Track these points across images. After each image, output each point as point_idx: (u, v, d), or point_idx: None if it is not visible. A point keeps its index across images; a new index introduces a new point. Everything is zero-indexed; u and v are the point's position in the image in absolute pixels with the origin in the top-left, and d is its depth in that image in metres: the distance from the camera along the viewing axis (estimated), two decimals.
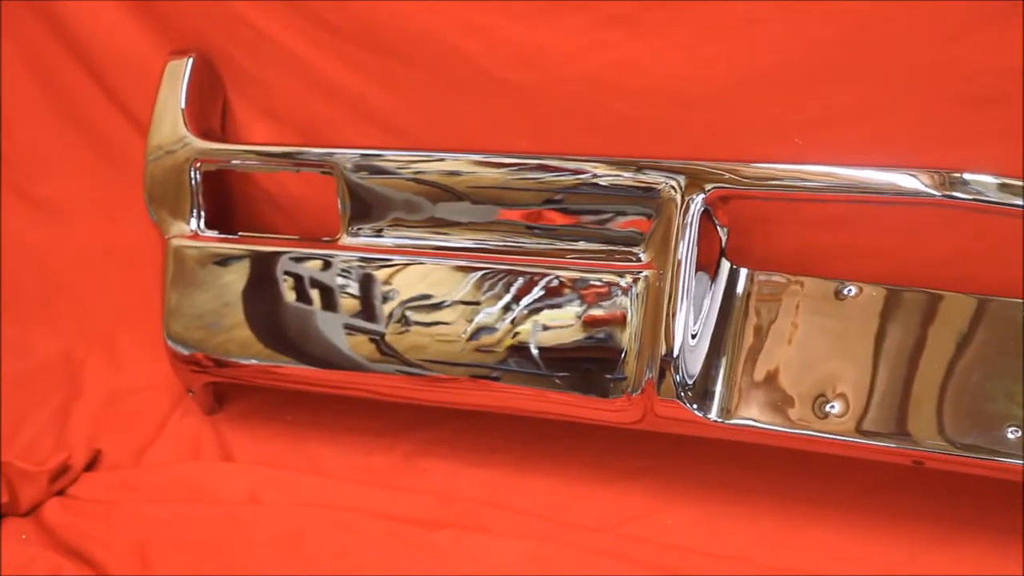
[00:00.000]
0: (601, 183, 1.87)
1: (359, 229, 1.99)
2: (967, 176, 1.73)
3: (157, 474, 2.03)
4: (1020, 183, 1.72)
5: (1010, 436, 1.73)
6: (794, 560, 1.84)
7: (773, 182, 1.80)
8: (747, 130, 1.92)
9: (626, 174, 1.86)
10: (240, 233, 2.08)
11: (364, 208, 1.98)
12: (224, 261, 2.05)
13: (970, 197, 1.73)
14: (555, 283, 1.88)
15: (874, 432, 1.77)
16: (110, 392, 2.16)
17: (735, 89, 1.93)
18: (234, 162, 2.07)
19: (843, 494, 1.89)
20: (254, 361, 2.03)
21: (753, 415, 1.81)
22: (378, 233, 1.98)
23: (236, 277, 2.04)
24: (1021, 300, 1.80)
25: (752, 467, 1.92)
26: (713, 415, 1.81)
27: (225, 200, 2.15)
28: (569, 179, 1.89)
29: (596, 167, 1.88)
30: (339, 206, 2.00)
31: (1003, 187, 1.73)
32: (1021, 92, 1.84)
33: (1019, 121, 1.85)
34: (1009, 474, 1.74)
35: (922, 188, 1.74)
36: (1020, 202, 1.72)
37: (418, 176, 1.96)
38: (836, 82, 1.88)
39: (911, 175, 1.75)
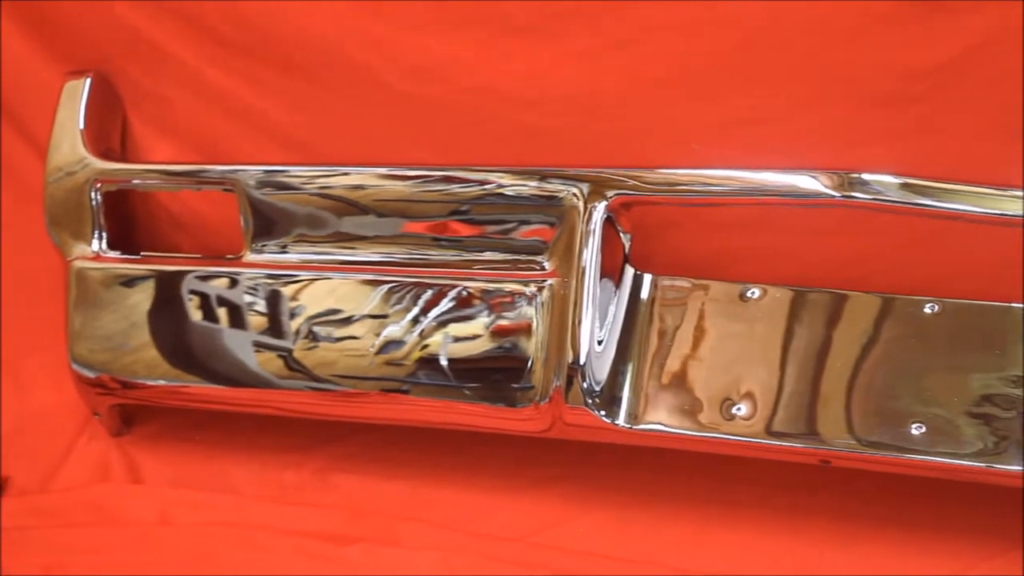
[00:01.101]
0: (505, 193, 1.87)
1: (263, 246, 1.98)
2: (866, 176, 1.75)
3: (66, 499, 2.01)
4: (919, 182, 1.73)
5: (915, 432, 1.75)
6: (706, 562, 1.85)
7: (674, 187, 1.81)
8: (649, 136, 1.94)
9: (531, 184, 1.85)
10: (143, 253, 2.05)
11: (268, 225, 1.97)
12: (128, 282, 2.03)
13: (870, 197, 1.75)
14: (462, 294, 1.88)
15: (782, 433, 1.79)
16: (16, 417, 2.14)
17: (636, 96, 1.94)
18: (135, 182, 2.06)
19: (753, 495, 1.91)
20: (162, 382, 2.01)
21: (661, 419, 1.82)
22: (283, 249, 1.97)
23: (141, 298, 2.02)
24: (923, 298, 1.81)
25: (662, 471, 1.93)
26: (621, 421, 1.82)
27: (127, 220, 2.13)
28: (474, 190, 1.89)
29: (501, 177, 1.88)
30: (242, 223, 1.98)
31: (903, 186, 1.75)
32: (920, 91, 1.86)
33: (919, 120, 1.87)
34: (914, 470, 1.77)
35: (822, 189, 1.76)
36: (921, 201, 1.73)
37: (322, 191, 1.95)
38: (736, 86, 1.90)
39: (811, 176, 1.77)
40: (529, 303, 1.84)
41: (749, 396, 1.80)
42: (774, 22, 1.87)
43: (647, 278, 1.88)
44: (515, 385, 1.84)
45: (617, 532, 1.89)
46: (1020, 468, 1.72)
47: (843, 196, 1.75)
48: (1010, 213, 1.73)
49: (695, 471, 1.92)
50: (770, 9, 1.88)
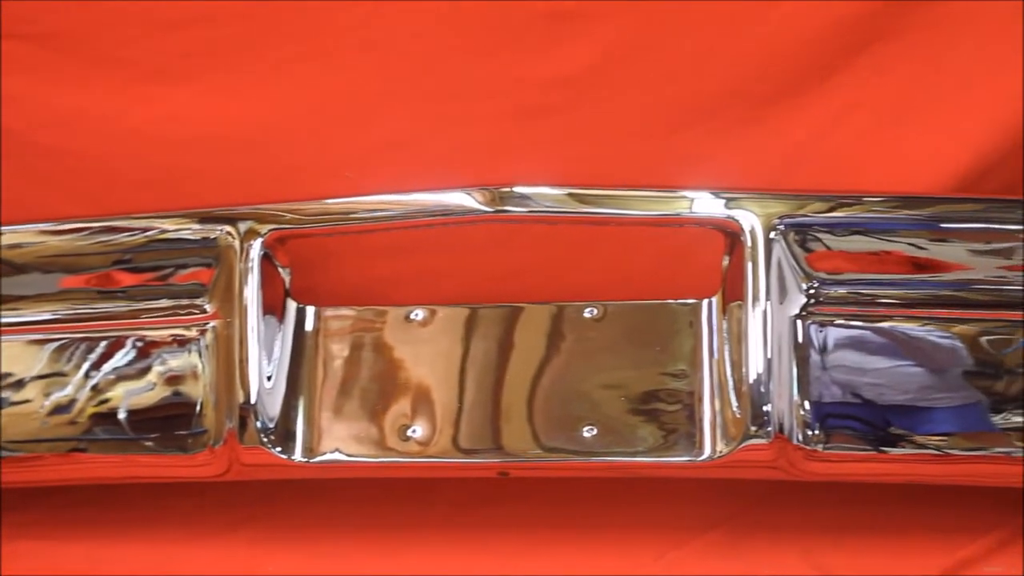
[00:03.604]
0: (160, 239, 1.84)
1: None
2: (518, 189, 1.77)
3: None
4: (574, 190, 1.77)
5: (587, 435, 1.78)
6: None
7: (328, 218, 1.81)
8: (300, 169, 1.96)
9: (190, 227, 1.83)
10: None
11: None
12: None
13: (524, 210, 1.78)
14: (129, 345, 1.85)
15: (459, 449, 1.80)
16: None
17: (283, 129, 1.96)
18: None
19: (441, 514, 1.93)
20: None
21: (338, 449, 1.81)
22: None
23: None
24: (583, 303, 1.84)
25: (349, 502, 1.93)
26: (298, 456, 1.81)
27: None
28: (133, 239, 1.86)
29: (161, 223, 1.85)
30: None
31: (556, 196, 1.78)
32: (561, 101, 1.90)
33: (567, 128, 1.93)
34: (589, 471, 1.80)
35: (475, 206, 1.78)
36: (575, 209, 1.77)
37: None
38: (380, 111, 1.94)
39: (464, 193, 1.78)
40: (193, 347, 1.82)
41: (424, 417, 1.82)
42: (411, 45, 1.91)
43: (310, 310, 1.87)
44: (187, 431, 1.82)
45: (307, 568, 1.87)
46: (689, 459, 1.75)
47: (495, 211, 1.77)
48: (669, 213, 1.78)
49: (383, 497, 1.92)
50: (406, 32, 1.91)
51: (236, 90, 1.93)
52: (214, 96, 1.94)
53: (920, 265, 1.78)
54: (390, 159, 1.93)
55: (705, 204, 1.78)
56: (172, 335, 1.84)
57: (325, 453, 1.82)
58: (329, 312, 1.88)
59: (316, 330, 1.87)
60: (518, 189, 1.78)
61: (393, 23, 1.91)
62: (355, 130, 1.94)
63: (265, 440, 1.79)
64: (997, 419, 1.75)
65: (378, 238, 1.91)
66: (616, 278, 1.94)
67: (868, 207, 1.78)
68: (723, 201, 1.78)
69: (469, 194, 1.78)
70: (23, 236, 1.90)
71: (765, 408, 1.73)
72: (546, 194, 1.79)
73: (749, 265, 1.75)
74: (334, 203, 1.82)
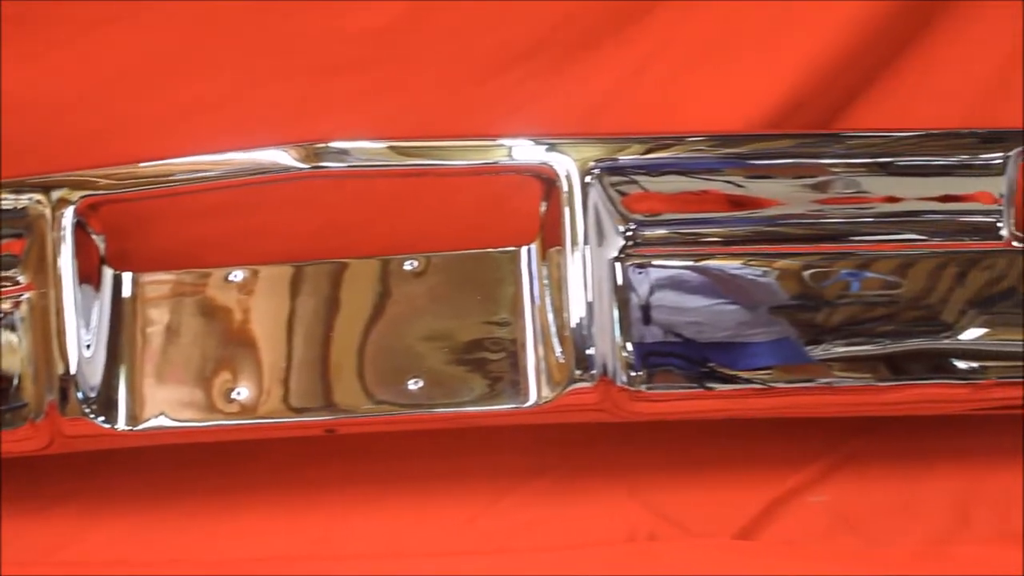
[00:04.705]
0: None
1: None
2: (334, 144, 1.77)
3: None
4: (388, 143, 1.77)
5: (412, 388, 1.79)
6: (232, 549, 1.83)
7: (141, 182, 1.79)
8: (104, 136, 1.92)
9: (6, 196, 1.80)
10: None
11: None
12: None
13: (342, 165, 1.77)
14: None
15: (285, 409, 1.80)
16: None
17: (92, 92, 1.93)
18: None
19: (268, 476, 1.91)
20: None
21: (163, 415, 1.79)
22: None
23: None
24: (403, 256, 1.85)
25: (177, 467, 1.90)
26: (121, 424, 1.79)
27: None
28: None
29: None
30: None
31: (372, 150, 1.78)
32: (368, 55, 1.91)
33: (376, 82, 1.92)
34: (416, 424, 1.81)
35: (291, 163, 1.77)
36: (393, 162, 1.77)
37: None
38: (182, 74, 1.91)
39: (280, 151, 1.77)
40: (8, 320, 1.78)
41: (249, 378, 1.81)
42: (216, 3, 1.88)
43: (127, 276, 1.85)
44: (6, 406, 1.78)
45: (138, 537, 1.86)
46: (515, 406, 1.77)
47: (312, 167, 1.77)
48: (486, 162, 1.80)
49: (210, 461, 1.90)
50: None
51: (43, 55, 1.90)
52: (20, 62, 1.89)
53: (738, 202, 1.80)
54: (201, 120, 1.91)
55: (522, 151, 1.79)
56: None
57: (149, 420, 1.80)
58: (146, 278, 1.86)
59: (134, 296, 1.85)
60: (334, 144, 1.78)
61: None
62: (164, 92, 1.91)
63: (87, 410, 1.77)
64: (818, 351, 1.77)
65: (194, 200, 1.88)
66: (437, 229, 1.93)
67: (684, 147, 1.79)
68: (542, 148, 1.78)
69: (285, 151, 1.77)
70: None
71: (588, 352, 1.75)
72: (363, 148, 1.79)
73: (566, 210, 1.76)
74: (147, 167, 1.80)
